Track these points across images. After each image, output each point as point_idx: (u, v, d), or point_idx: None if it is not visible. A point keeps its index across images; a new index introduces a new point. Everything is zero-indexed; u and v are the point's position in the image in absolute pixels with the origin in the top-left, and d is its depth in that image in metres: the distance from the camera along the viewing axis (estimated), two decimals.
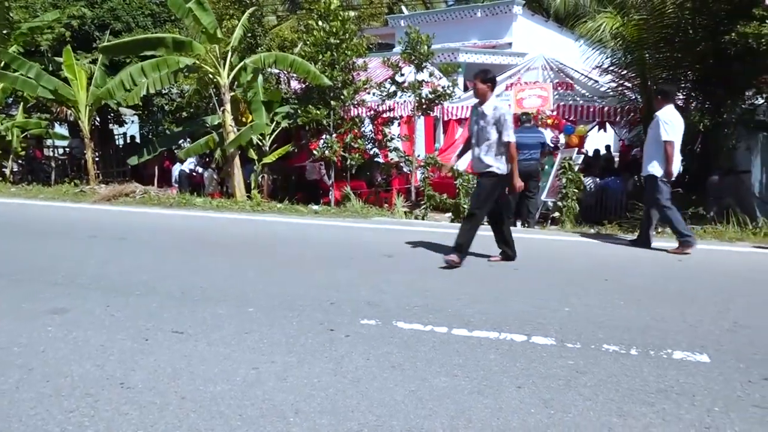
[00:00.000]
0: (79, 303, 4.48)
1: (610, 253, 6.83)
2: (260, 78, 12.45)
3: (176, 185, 14.66)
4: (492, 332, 3.88)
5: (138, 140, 19.43)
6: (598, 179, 11.93)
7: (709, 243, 7.32)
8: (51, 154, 17.60)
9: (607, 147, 16.92)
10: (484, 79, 5.85)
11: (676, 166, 6.93)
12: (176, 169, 15.28)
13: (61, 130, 17.55)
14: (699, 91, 10.14)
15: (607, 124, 14.85)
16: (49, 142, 17.00)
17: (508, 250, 6.03)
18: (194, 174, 15.17)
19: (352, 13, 12.76)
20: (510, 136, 5.77)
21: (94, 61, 13.71)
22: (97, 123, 15.83)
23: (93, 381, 3.13)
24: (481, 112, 5.87)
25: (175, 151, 15.11)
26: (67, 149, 17.41)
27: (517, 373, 3.25)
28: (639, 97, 10.90)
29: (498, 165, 5.80)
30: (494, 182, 5.85)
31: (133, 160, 13.48)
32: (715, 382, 3.17)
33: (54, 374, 3.21)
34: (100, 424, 2.70)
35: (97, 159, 14.47)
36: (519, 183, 5.91)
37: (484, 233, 6.01)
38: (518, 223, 9.47)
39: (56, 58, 13.86)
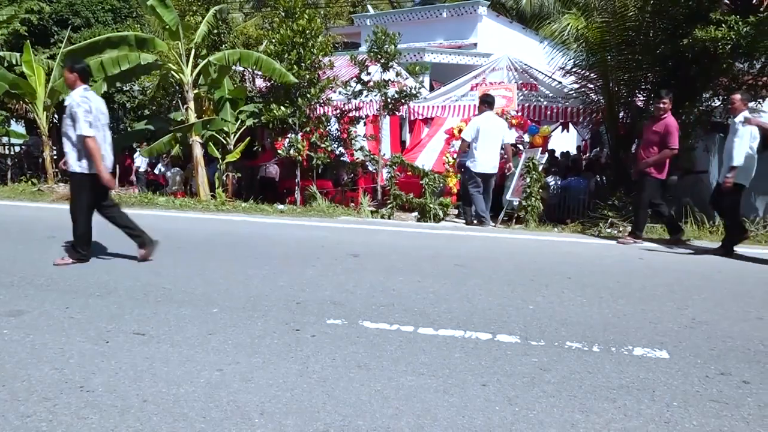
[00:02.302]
0: (36, 305, 4.35)
1: (574, 251, 6.95)
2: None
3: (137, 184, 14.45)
4: (457, 331, 3.91)
5: None
6: (560, 179, 12.11)
7: (667, 242, 7.50)
8: (7, 151, 17.12)
9: (578, 148, 17.21)
10: (71, 68, 5.40)
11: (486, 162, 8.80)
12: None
13: (18, 127, 17.08)
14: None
15: (570, 125, 15.08)
16: (5, 139, 16.53)
17: (138, 239, 5.80)
18: (147, 171, 15.00)
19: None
20: (82, 129, 5.22)
21: (52, 57, 13.37)
22: (55, 120, 15.44)
23: (51, 385, 3.05)
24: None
25: (136, 147, 14.86)
26: (24, 147, 16.96)
27: (482, 371, 3.27)
28: (601, 98, 11.08)
29: (79, 164, 5.38)
30: (78, 183, 5.49)
31: None
32: (674, 378, 3.24)
33: (10, 378, 3.11)
34: (58, 429, 2.63)
35: (55, 157, 14.10)
36: (107, 177, 5.44)
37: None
38: (474, 222, 9.52)
39: (11, 53, 13.46)
